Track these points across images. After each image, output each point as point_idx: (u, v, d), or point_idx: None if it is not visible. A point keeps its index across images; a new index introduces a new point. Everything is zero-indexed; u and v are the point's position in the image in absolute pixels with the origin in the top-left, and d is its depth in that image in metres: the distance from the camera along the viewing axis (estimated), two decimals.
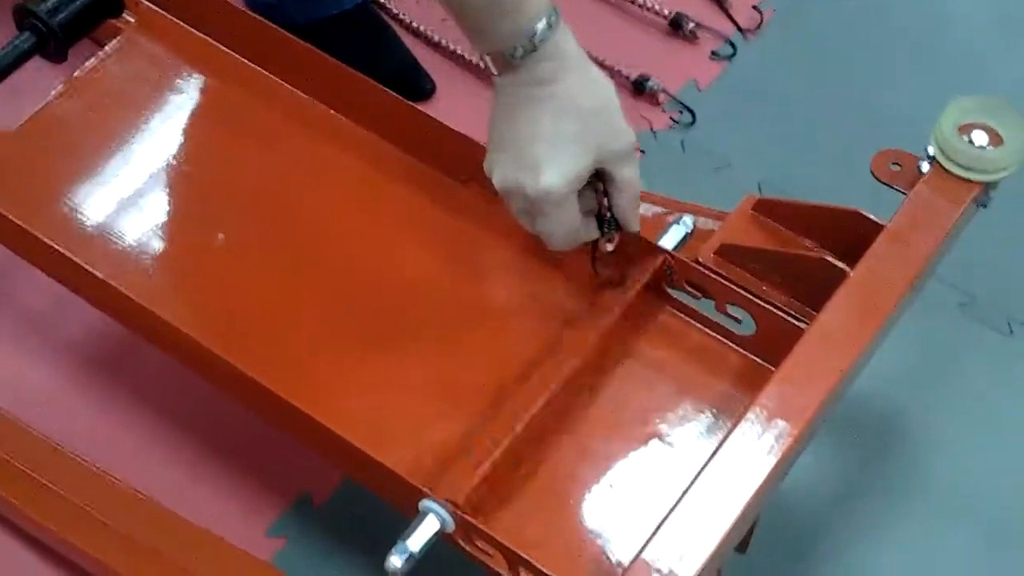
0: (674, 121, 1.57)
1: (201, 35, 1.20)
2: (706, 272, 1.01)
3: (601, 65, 1.57)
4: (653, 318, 1.04)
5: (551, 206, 0.92)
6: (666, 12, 1.65)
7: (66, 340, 1.35)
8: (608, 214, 0.97)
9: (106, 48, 1.19)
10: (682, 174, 1.52)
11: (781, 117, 1.59)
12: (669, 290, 1.04)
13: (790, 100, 1.61)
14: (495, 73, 0.91)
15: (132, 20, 1.20)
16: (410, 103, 1.10)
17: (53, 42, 1.11)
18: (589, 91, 0.91)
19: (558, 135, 0.90)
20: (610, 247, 0.99)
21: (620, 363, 1.02)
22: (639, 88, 1.58)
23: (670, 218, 1.09)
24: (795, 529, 1.26)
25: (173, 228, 1.10)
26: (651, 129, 1.56)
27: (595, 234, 0.98)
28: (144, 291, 1.02)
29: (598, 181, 0.95)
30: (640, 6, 1.66)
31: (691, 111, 1.57)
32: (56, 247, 1.04)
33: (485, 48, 0.91)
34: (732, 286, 1.00)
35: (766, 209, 1.07)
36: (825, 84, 1.63)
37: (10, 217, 1.06)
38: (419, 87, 1.56)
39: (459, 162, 1.08)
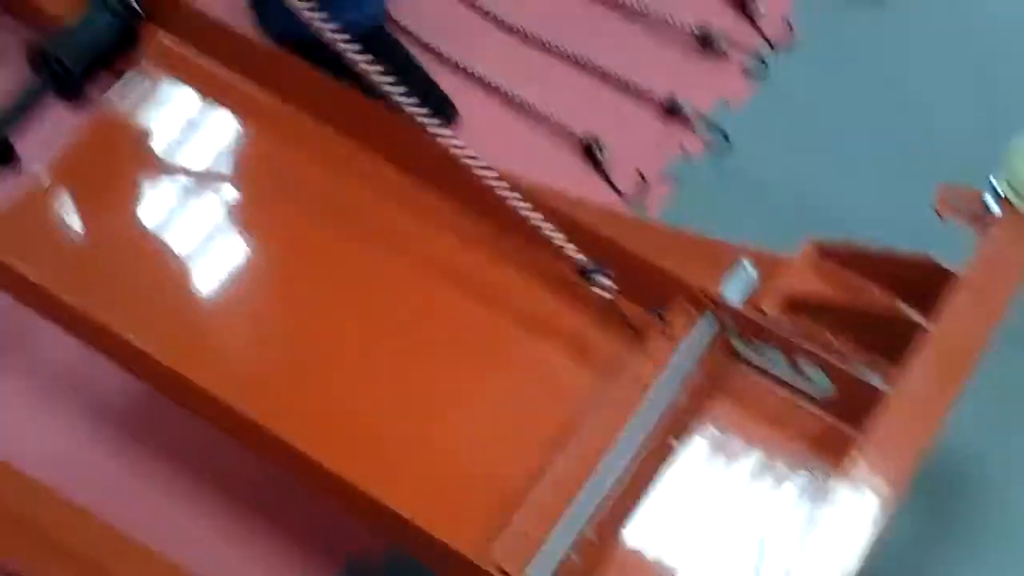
0: (708, 144, 1.51)
1: (220, 67, 1.15)
2: (772, 329, 0.97)
3: (627, 86, 1.52)
4: (723, 374, 1.00)
5: None
6: (693, 29, 1.59)
7: (89, 397, 1.28)
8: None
9: (119, 83, 1.14)
10: (720, 200, 1.46)
11: (819, 138, 1.53)
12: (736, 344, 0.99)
13: (826, 119, 1.55)
14: None
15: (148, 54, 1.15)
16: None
17: (69, 82, 1.09)
18: None
19: None
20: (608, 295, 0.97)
21: (691, 425, 0.98)
22: (672, 111, 1.52)
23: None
24: None
25: (202, 284, 1.05)
26: (684, 152, 1.50)
27: None
28: (174, 354, 0.97)
29: None
30: (667, 23, 1.60)
31: (725, 134, 1.51)
32: (86, 313, 1.00)
33: None
34: (801, 342, 0.96)
35: (829, 254, 1.02)
36: (860, 103, 1.57)
37: (30, 279, 1.01)
38: (439, 114, 1.49)
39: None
